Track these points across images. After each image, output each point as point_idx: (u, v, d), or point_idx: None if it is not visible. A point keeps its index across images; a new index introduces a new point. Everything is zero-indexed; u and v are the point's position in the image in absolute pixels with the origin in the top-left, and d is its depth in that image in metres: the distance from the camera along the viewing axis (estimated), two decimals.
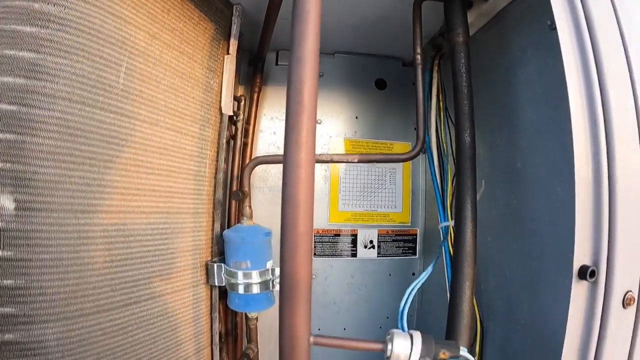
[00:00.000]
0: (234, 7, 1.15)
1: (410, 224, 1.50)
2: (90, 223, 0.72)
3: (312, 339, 0.48)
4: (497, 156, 0.97)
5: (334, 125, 1.49)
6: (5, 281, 0.62)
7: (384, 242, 1.48)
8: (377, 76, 1.51)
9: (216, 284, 1.01)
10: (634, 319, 0.69)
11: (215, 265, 1.01)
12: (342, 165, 1.47)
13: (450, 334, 0.78)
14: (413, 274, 1.49)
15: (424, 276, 0.84)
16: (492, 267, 0.95)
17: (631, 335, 0.69)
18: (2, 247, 0.61)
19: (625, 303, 0.66)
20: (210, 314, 1.05)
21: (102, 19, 0.75)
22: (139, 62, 0.84)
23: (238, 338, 1.19)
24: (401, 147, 1.50)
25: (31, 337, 0.64)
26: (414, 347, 0.57)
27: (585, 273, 0.61)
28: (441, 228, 1.03)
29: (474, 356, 0.84)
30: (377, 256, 1.47)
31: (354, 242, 1.46)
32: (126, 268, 0.79)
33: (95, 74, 0.74)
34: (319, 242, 1.43)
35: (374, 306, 1.47)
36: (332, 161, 1.12)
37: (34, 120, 0.64)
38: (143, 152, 0.84)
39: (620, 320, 0.67)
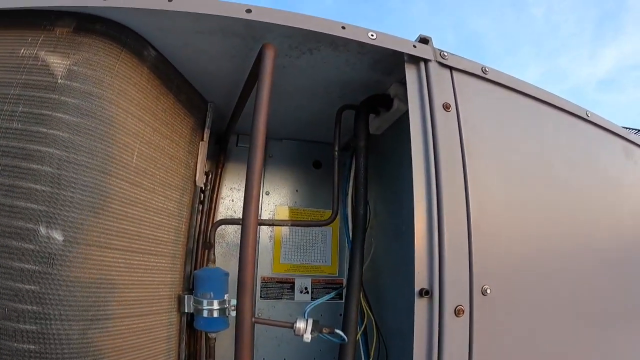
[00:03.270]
0: (209, 104, 1.57)
1: (337, 275, 1.89)
2: (108, 255, 1.06)
3: (253, 319, 0.86)
4: (393, 220, 1.41)
5: (278, 196, 1.91)
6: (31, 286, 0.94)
7: (317, 288, 1.85)
8: (315, 158, 1.97)
9: (186, 310, 1.33)
10: (468, 325, 1.03)
11: (186, 296, 1.34)
12: (284, 228, 1.86)
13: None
14: (340, 314, 1.86)
15: (319, 301, 1.25)
16: (386, 296, 1.36)
17: (468, 338, 1.02)
18: (51, 265, 0.94)
19: (457, 313, 1.02)
20: (179, 334, 1.35)
21: (124, 117, 1.13)
22: (145, 148, 1.21)
23: (197, 355, 1.49)
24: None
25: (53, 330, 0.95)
26: (307, 325, 0.98)
27: (422, 292, 1.00)
28: None
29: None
30: (311, 300, 1.84)
31: (292, 288, 1.82)
32: (127, 290, 1.12)
33: (119, 156, 1.11)
34: (264, 287, 1.79)
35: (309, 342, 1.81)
36: (272, 224, 1.54)
37: (76, 184, 1.00)
38: (145, 210, 1.20)
39: (455, 325, 1.01)
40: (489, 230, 1.09)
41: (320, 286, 1.86)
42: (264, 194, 1.90)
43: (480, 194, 1.09)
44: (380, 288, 1.45)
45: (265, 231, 1.86)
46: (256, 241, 0.87)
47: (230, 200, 1.85)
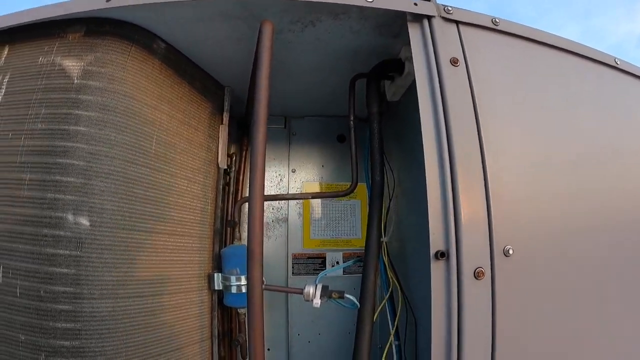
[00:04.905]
0: (225, 88, 1.60)
1: None
2: (134, 237, 1.12)
3: (263, 286, 0.89)
4: (416, 186, 1.39)
5: (305, 173, 1.93)
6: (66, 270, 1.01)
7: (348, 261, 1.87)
8: (338, 132, 1.97)
9: (215, 288, 1.39)
10: (490, 288, 0.99)
11: (215, 274, 1.39)
12: (312, 203, 1.89)
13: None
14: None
15: (337, 268, 1.26)
16: (413, 265, 1.35)
17: (490, 302, 0.98)
18: (80, 249, 1.01)
19: (477, 275, 0.98)
20: (211, 312, 1.42)
21: (140, 108, 1.18)
22: (163, 135, 1.26)
23: (232, 333, 1.55)
24: (358, 187, 1.92)
25: (85, 308, 1.03)
26: (316, 290, 0.99)
27: (438, 255, 0.98)
28: None
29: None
30: (343, 274, 1.86)
31: (323, 263, 1.85)
32: (155, 269, 1.18)
33: (138, 144, 1.16)
34: (296, 263, 1.83)
35: (342, 314, 1.84)
36: (294, 198, 1.56)
37: (101, 173, 1.06)
38: (168, 193, 1.25)
39: (475, 289, 0.97)
40: (509, 189, 1.04)
41: (351, 260, 1.87)
42: (290, 171, 1.92)
43: (496, 150, 1.04)
44: (407, 257, 1.44)
45: (293, 208, 1.89)
46: (262, 210, 0.89)
47: None
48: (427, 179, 1.00)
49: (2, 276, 1.02)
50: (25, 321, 1.00)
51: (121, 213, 1.09)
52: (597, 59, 1.29)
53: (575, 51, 1.25)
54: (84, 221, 1.03)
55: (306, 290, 1.08)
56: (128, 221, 1.11)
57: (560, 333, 1.07)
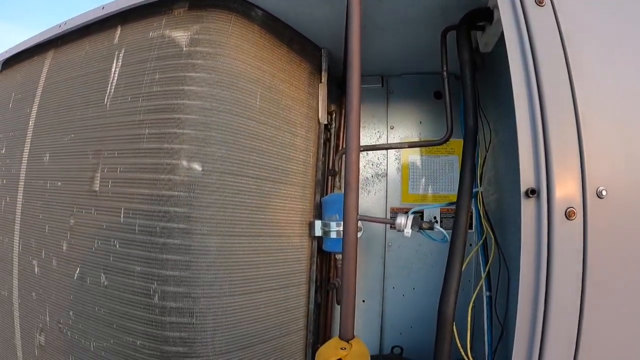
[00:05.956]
0: (322, 50, 1.70)
1: None
2: (241, 182, 1.29)
3: (358, 216, 0.98)
4: (511, 136, 1.36)
5: (404, 129, 1.97)
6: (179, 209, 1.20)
7: (445, 218, 1.89)
8: (435, 89, 1.96)
9: (315, 234, 1.52)
10: (582, 229, 0.95)
11: (315, 221, 1.52)
12: (410, 157, 1.93)
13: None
14: (470, 244, 1.86)
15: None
16: (509, 217, 1.34)
17: (582, 243, 0.95)
18: (192, 191, 1.19)
19: (568, 215, 0.95)
20: (310, 258, 1.56)
21: (244, 68, 1.33)
22: (266, 92, 1.40)
23: (330, 280, 1.69)
24: (457, 143, 1.91)
25: (195, 243, 1.21)
26: (408, 220, 1.05)
27: (528, 192, 0.97)
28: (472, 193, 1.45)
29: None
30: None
31: (421, 218, 1.89)
32: (259, 212, 1.34)
33: (243, 99, 1.32)
34: (394, 217, 1.89)
35: (437, 270, 1.88)
36: (390, 148, 1.63)
37: (211, 127, 1.23)
38: (272, 144, 1.40)
39: (566, 228, 0.95)
40: (602, 129, 0.98)
41: (450, 215, 1.88)
42: (389, 128, 1.98)
43: (590, 89, 0.98)
44: (504, 208, 1.42)
45: (392, 163, 1.95)
46: (358, 151, 0.99)
47: None
48: (516, 115, 0.99)
49: (124, 216, 1.25)
50: (142, 254, 1.21)
51: (229, 160, 1.26)
52: None
53: None
54: (197, 167, 1.21)
55: (398, 220, 1.16)
56: (235, 167, 1.27)
57: None
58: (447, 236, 1.20)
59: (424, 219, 1.88)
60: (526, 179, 0.97)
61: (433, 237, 1.25)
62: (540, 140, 0.97)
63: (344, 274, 1.03)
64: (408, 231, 1.14)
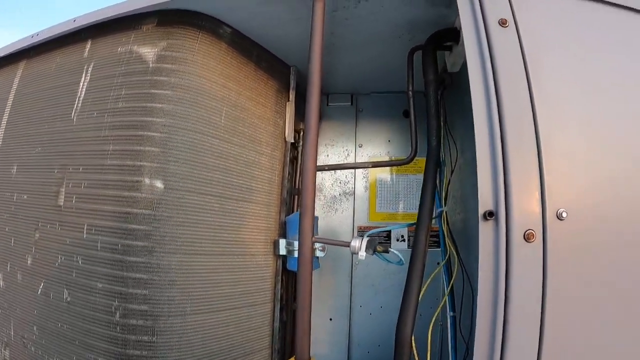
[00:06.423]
0: (291, 68, 1.70)
1: (434, 222, 1.89)
2: (203, 200, 1.26)
3: (313, 238, 0.97)
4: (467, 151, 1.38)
5: (372, 148, 1.98)
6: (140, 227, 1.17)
7: (413, 236, 1.88)
8: (404, 108, 1.97)
9: (280, 253, 1.50)
10: (541, 252, 0.94)
11: (280, 240, 1.51)
12: (379, 176, 1.94)
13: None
14: (438, 263, 1.86)
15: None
16: (474, 236, 1.35)
17: (542, 267, 0.94)
18: (154, 209, 1.16)
19: (527, 237, 0.94)
20: (275, 276, 1.53)
21: (210, 85, 1.32)
22: (232, 110, 1.39)
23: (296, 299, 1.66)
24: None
25: (155, 261, 1.18)
26: (362, 243, 1.05)
27: (486, 215, 0.97)
28: (437, 212, 1.45)
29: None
30: (407, 248, 1.89)
31: (388, 237, 1.89)
32: (222, 231, 1.32)
33: (208, 117, 1.30)
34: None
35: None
36: (354, 167, 1.62)
37: (175, 145, 1.21)
38: (236, 163, 1.38)
39: (525, 251, 0.94)
40: (563, 150, 0.99)
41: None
42: (358, 146, 1.98)
43: (550, 110, 0.99)
44: (470, 229, 1.43)
45: (360, 181, 1.96)
46: (315, 171, 0.98)
47: (326, 156, 1.98)
48: (476, 136, 0.98)
49: (86, 232, 1.22)
50: (104, 271, 1.18)
51: (192, 178, 1.24)
52: None
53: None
54: (159, 184, 1.18)
55: (353, 243, 1.14)
56: (197, 186, 1.25)
57: (616, 305, 1.01)
58: (403, 259, 1.20)
59: (392, 238, 1.88)
60: (484, 201, 0.96)
61: (389, 260, 1.24)
62: (500, 162, 0.96)
63: (299, 295, 1.02)
64: (362, 254, 1.13)
